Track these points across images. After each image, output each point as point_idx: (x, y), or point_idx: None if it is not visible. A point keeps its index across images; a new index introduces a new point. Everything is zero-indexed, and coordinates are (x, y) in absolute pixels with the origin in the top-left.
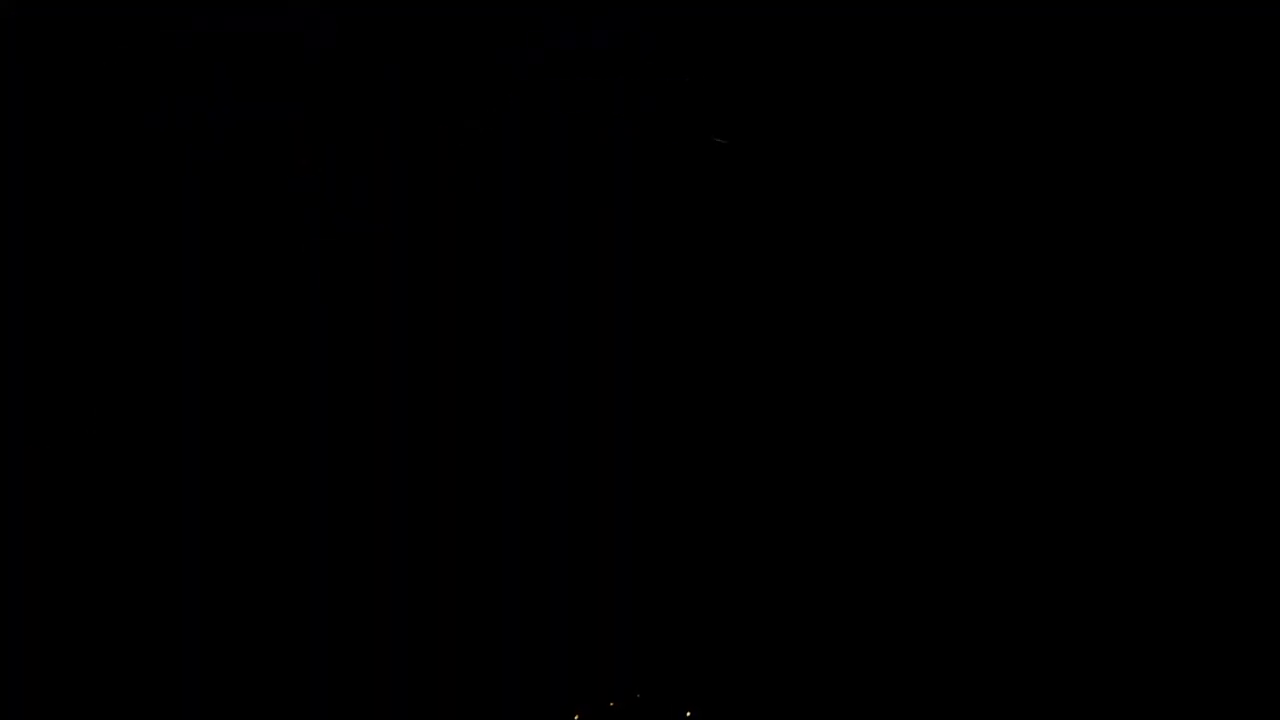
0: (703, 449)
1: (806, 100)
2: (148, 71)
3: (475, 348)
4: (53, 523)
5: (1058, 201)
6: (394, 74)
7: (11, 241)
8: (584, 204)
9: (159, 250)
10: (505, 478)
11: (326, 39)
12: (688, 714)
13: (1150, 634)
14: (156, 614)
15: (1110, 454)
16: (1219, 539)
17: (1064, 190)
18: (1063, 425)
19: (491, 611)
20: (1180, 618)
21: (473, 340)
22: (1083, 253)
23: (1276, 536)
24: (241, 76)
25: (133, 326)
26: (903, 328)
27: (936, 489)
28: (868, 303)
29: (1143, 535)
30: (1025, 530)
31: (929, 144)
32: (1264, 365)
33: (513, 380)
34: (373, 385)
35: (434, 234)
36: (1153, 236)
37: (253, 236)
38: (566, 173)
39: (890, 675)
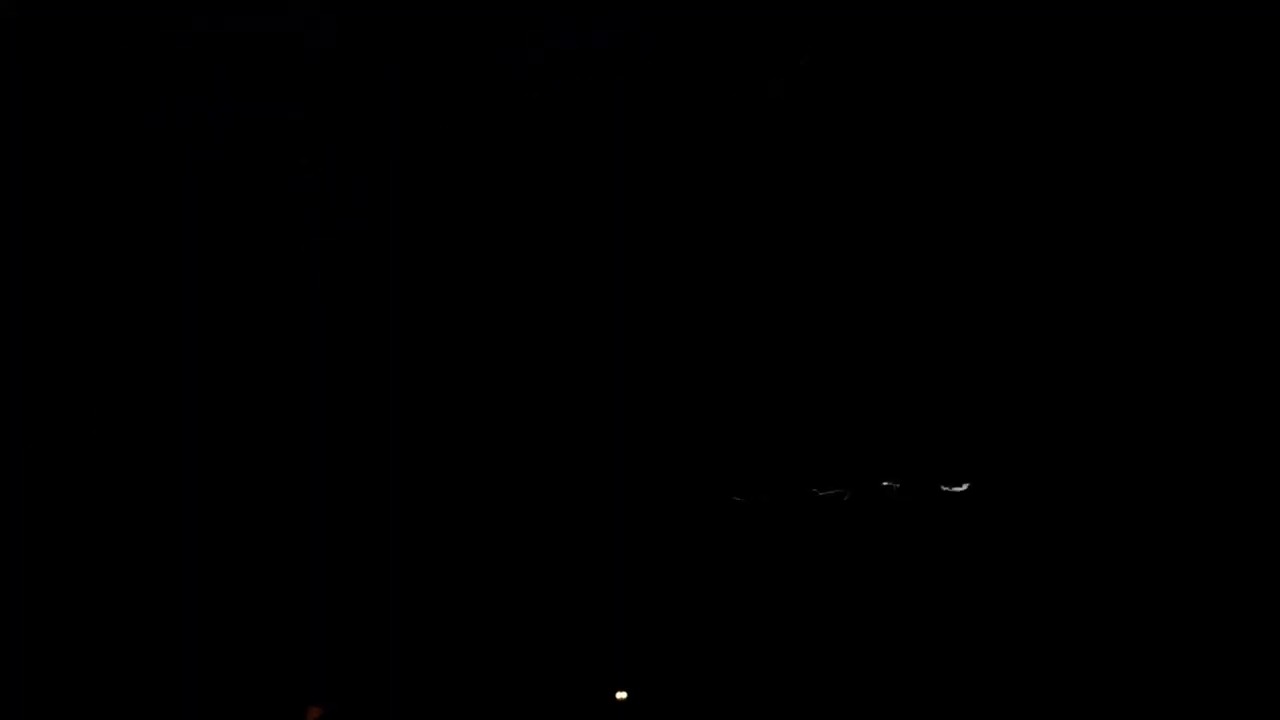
0: (700, 447)
1: (806, 100)
2: (148, 71)
3: (474, 346)
4: (53, 522)
5: (1057, 202)
6: (394, 74)
7: (11, 241)
8: (583, 204)
9: (159, 250)
10: (503, 474)
11: (326, 39)
12: (685, 714)
13: (1127, 634)
14: (156, 613)
15: (1111, 454)
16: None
17: (1063, 190)
18: (1061, 427)
19: (487, 610)
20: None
21: (472, 339)
22: (1082, 253)
23: (1275, 537)
24: (241, 76)
25: (133, 326)
26: (903, 328)
27: (929, 490)
28: (866, 303)
29: (1136, 533)
30: (1020, 534)
31: (929, 145)
32: (1260, 365)
33: (512, 377)
34: (372, 383)
35: (433, 234)
36: (1145, 236)
37: (253, 236)
38: (566, 173)
39: (883, 681)
